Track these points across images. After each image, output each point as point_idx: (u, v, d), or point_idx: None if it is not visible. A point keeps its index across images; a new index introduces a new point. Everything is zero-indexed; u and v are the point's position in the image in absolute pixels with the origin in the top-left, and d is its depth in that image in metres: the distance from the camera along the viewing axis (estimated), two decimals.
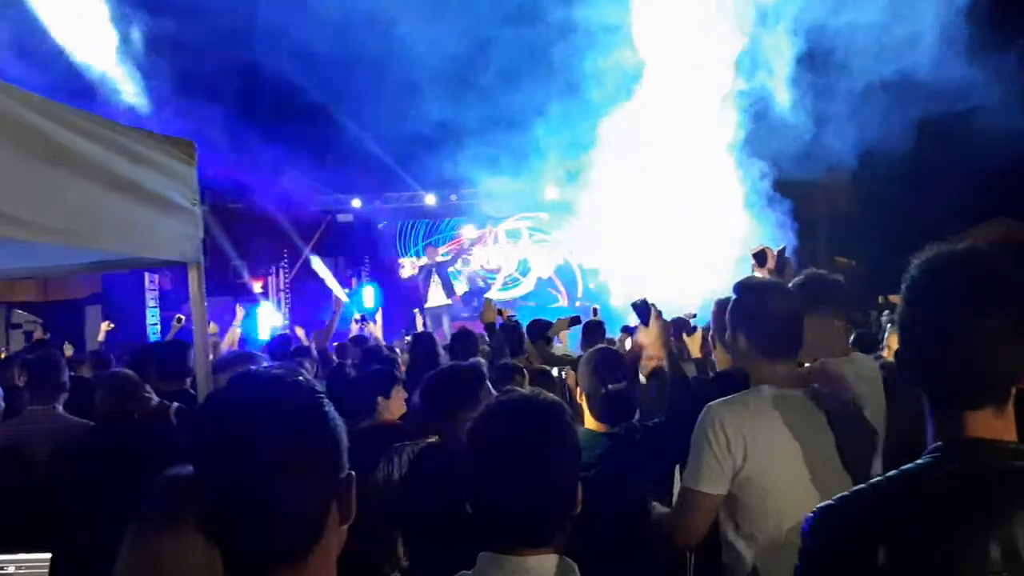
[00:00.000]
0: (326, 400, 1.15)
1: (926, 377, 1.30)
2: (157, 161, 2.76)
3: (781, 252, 3.40)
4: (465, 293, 15.91)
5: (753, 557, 2.21)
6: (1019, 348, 1.23)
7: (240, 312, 7.55)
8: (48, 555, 2.15)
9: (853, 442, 2.25)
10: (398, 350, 7.17)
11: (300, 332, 8.22)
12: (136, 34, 10.09)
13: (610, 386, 3.00)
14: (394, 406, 3.61)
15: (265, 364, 2.96)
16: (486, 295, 12.51)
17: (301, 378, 1.15)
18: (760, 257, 3.44)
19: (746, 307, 2.35)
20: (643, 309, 3.22)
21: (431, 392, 2.71)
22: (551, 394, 1.63)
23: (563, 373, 4.69)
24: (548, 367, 4.66)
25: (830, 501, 1.29)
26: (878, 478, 1.30)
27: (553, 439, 1.52)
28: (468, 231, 16.57)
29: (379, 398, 3.55)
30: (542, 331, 5.59)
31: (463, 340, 5.09)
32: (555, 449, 1.51)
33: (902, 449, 1.33)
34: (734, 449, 2.16)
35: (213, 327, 5.89)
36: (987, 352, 1.23)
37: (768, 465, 2.16)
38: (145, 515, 1.54)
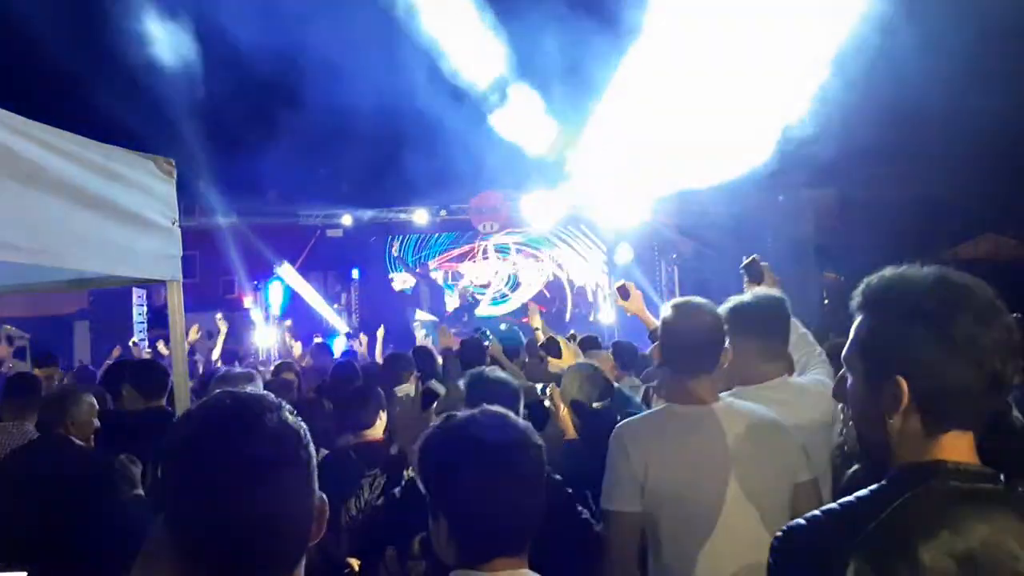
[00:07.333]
0: (301, 425, 1.13)
1: (918, 393, 1.26)
2: (134, 179, 2.73)
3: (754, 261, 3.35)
4: (456, 308, 15.90)
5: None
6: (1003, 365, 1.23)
7: (223, 326, 7.48)
8: (23, 574, 2.13)
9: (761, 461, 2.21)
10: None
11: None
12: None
13: (595, 404, 3.14)
14: (382, 423, 3.65)
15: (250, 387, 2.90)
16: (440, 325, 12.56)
17: (273, 400, 1.13)
18: (752, 271, 3.36)
19: (663, 324, 2.35)
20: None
21: None
22: (501, 407, 1.61)
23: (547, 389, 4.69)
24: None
25: (798, 520, 1.29)
26: (847, 498, 1.30)
27: (517, 450, 1.51)
28: (458, 246, 16.59)
29: (381, 412, 3.60)
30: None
31: (393, 364, 5.13)
32: (522, 460, 1.50)
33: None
34: (636, 466, 2.17)
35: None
36: (985, 366, 1.21)
37: (669, 480, 2.16)
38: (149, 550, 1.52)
